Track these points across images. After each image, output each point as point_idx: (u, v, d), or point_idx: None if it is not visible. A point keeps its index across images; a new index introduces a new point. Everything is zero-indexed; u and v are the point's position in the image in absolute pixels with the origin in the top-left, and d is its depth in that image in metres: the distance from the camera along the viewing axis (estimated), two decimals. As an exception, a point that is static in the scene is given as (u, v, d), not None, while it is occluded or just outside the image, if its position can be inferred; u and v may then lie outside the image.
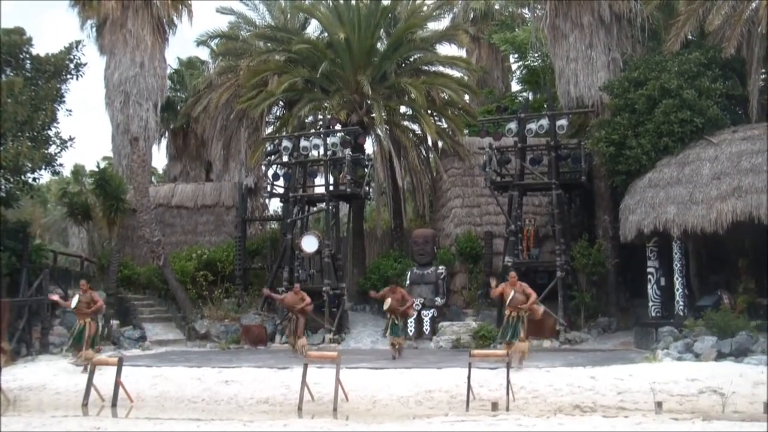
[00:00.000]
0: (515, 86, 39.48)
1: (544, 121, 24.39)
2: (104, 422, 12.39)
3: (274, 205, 35.92)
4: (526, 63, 35.57)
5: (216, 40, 35.89)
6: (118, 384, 15.76)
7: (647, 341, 19.91)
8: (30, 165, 23.95)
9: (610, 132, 22.36)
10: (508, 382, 14.23)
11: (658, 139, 21.19)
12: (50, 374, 18.58)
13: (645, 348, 19.48)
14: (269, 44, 32.44)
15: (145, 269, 29.95)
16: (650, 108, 21.62)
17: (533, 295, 17.41)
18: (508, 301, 17.32)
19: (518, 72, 37.71)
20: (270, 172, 28.41)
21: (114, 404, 15.37)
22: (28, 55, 25.93)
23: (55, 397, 17.14)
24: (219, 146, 33.86)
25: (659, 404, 13.09)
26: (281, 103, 32.48)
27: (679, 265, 20.28)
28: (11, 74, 25.37)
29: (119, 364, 16.03)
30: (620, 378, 14.81)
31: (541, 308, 18.26)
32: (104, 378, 15.96)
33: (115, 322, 25.19)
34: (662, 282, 21.18)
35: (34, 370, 19.58)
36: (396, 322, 20.09)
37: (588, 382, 14.77)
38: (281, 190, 28.10)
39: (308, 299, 21.68)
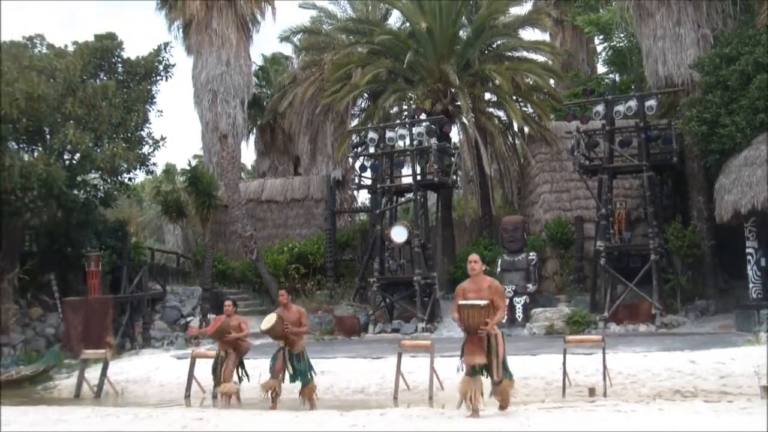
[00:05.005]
0: (601, 68, 38.85)
1: (633, 103, 23.93)
2: (206, 413, 12.68)
3: (363, 197, 36.18)
4: (612, 44, 34.94)
5: (299, 35, 36.22)
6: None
7: (749, 324, 19.41)
8: (125, 165, 24.70)
9: (701, 110, 21.81)
10: (605, 367, 14.06)
11: (754, 115, 20.54)
12: (153, 367, 19.15)
13: (747, 331, 18.98)
14: (352, 37, 32.61)
15: (238, 264, 30.54)
16: (744, 84, 20.99)
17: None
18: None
19: (604, 53, 37.06)
20: (357, 164, 28.59)
21: (215, 396, 15.69)
22: (119, 59, 26.67)
23: (159, 389, 17.68)
24: (306, 140, 34.25)
25: (765, 388, 12.73)
26: (366, 95, 32.65)
27: (779, 245, 19.73)
28: (104, 78, 26.12)
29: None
30: (722, 362, 14.47)
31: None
32: (205, 371, 16.31)
33: (211, 316, 25.76)
34: (762, 262, 20.57)
35: (137, 363, 20.27)
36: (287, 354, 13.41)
37: (688, 367, 14.49)
38: (369, 182, 28.24)
39: (246, 329, 14.59)
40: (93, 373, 18.03)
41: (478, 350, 10.88)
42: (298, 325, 13.28)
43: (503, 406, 11.13)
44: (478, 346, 10.89)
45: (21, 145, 24.05)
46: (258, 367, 14.99)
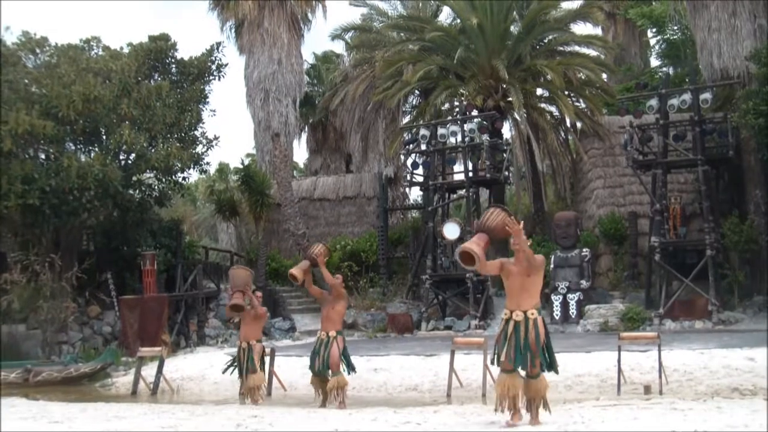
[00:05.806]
0: (654, 61, 38.38)
1: (687, 96, 23.59)
2: (260, 410, 12.76)
3: (415, 194, 36.22)
4: (665, 37, 34.49)
5: (350, 33, 36.32)
6: (271, 374, 16.27)
7: (809, 320, 19.04)
8: (179, 165, 24.87)
9: (758, 103, 21.42)
10: (660, 364, 13.89)
11: (812, 107, 20.17)
12: (208, 365, 19.34)
13: (807, 327, 18.61)
14: (402, 34, 32.66)
15: (291, 261, 30.62)
16: (802, 75, 20.63)
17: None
18: None
19: (657, 47, 36.59)
20: (409, 161, 28.66)
21: (269, 393, 15.85)
22: (173, 60, 26.93)
23: (214, 386, 17.84)
24: (357, 138, 34.35)
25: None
26: (417, 92, 32.66)
27: (840, 240, 19.30)
28: (159, 79, 26.43)
29: (272, 355, 16.55)
30: (781, 359, 14.19)
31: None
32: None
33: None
34: (822, 257, 20.19)
35: (192, 361, 20.49)
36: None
37: (746, 364, 14.22)
38: (421, 179, 28.26)
39: (262, 310, 15.28)
40: (149, 371, 18.29)
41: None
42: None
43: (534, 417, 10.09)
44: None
45: (78, 146, 24.50)
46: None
